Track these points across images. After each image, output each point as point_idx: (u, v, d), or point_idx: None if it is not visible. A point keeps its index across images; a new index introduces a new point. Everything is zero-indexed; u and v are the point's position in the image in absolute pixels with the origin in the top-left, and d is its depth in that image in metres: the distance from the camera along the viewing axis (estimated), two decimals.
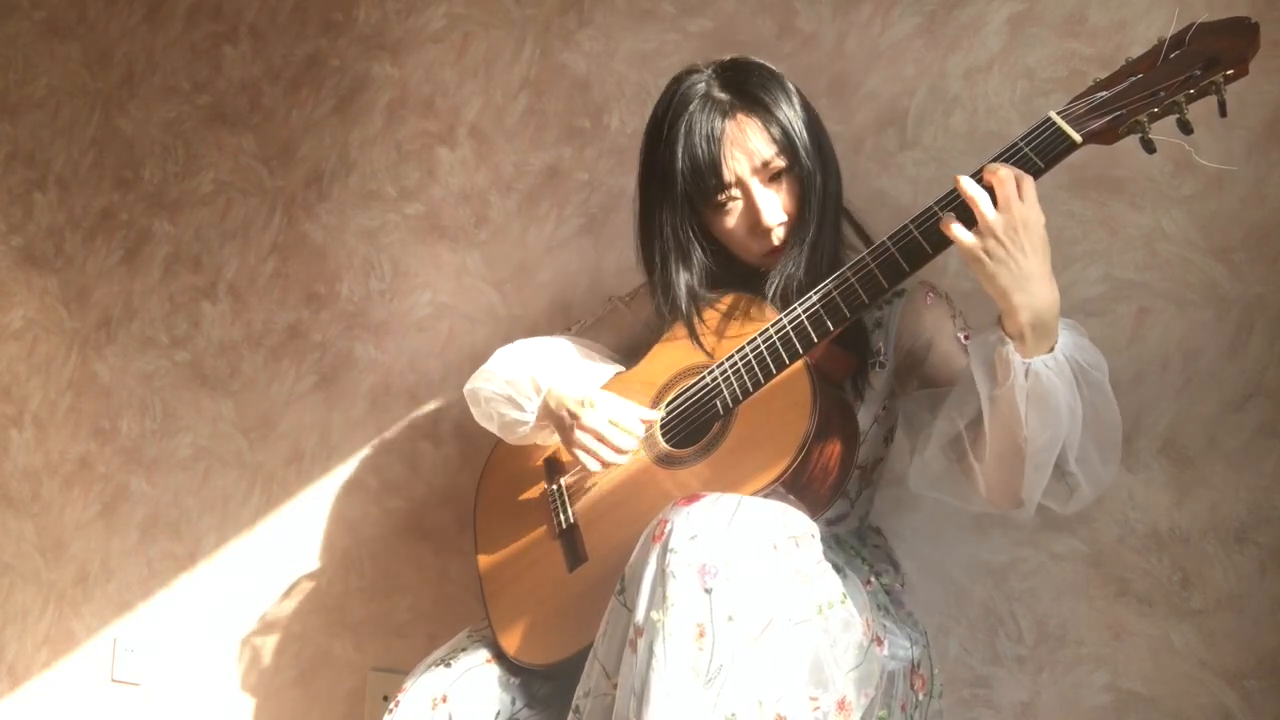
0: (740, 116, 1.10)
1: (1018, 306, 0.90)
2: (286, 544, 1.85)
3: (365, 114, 1.84)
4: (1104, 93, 0.92)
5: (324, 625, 1.81)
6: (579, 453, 1.13)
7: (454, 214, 1.76)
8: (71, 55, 2.15)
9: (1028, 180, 0.91)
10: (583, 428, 1.12)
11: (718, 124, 1.09)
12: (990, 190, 0.90)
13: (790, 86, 1.14)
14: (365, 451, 1.80)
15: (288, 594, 1.84)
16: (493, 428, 1.26)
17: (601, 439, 1.11)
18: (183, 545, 1.94)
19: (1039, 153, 0.91)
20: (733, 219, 1.13)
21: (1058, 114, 0.92)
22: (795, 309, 1.05)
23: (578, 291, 1.65)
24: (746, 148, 1.09)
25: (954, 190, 0.94)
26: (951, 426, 1.02)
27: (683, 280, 1.17)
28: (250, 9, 1.96)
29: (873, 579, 1.15)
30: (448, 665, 1.13)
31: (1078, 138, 0.90)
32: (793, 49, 1.52)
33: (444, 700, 1.08)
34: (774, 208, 1.11)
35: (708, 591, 0.86)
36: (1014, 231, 0.89)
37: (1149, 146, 0.90)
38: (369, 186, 1.83)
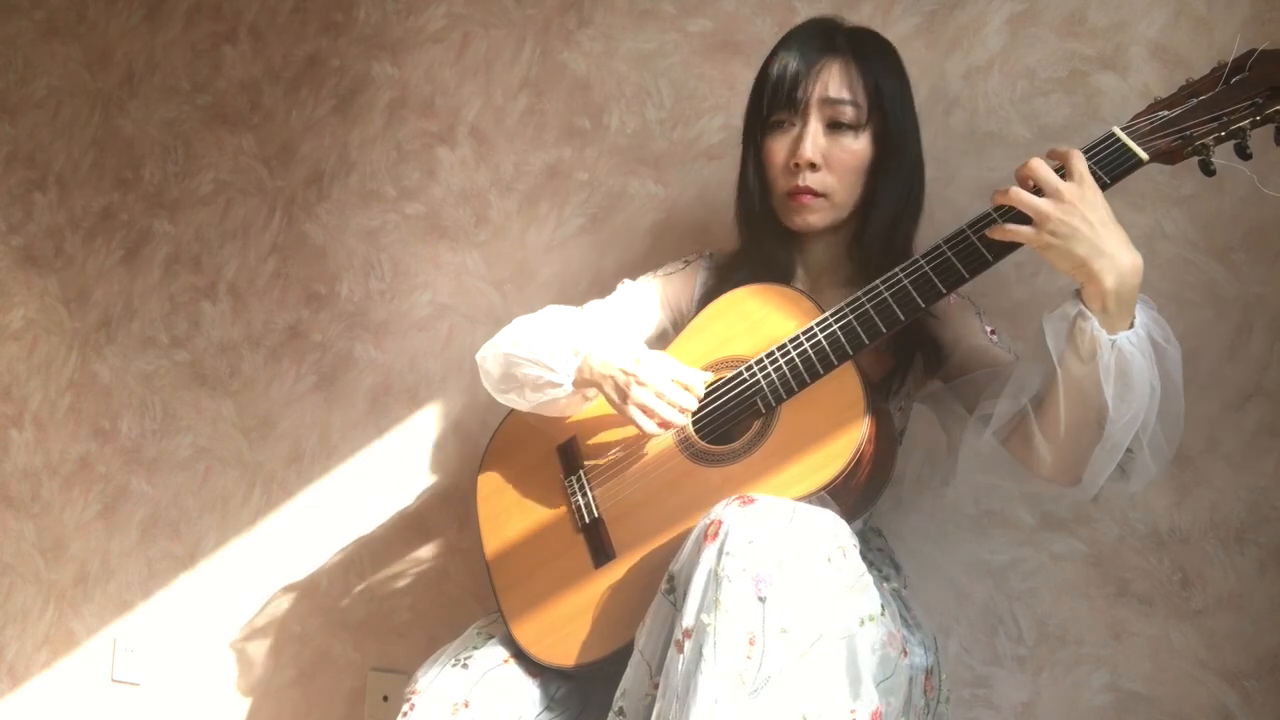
0: (843, 60, 1.12)
1: (1100, 272, 0.88)
2: (286, 544, 1.85)
3: (365, 114, 1.84)
4: (1166, 112, 0.93)
5: (324, 625, 1.81)
6: (635, 412, 1.05)
7: (454, 214, 1.76)
8: (71, 55, 2.15)
9: (1075, 156, 0.90)
10: (642, 383, 1.05)
11: (814, 47, 1.12)
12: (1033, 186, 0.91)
13: (905, 75, 1.16)
14: (365, 451, 1.80)
15: (288, 594, 1.84)
16: (511, 395, 1.19)
17: (663, 397, 1.05)
18: (183, 545, 1.94)
19: (1105, 168, 0.91)
20: (780, 142, 1.14)
21: (1121, 130, 0.92)
22: (843, 308, 1.03)
23: (578, 291, 1.65)
24: (830, 81, 1.11)
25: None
26: (1014, 404, 1.00)
27: (754, 179, 1.18)
28: (250, 9, 1.96)
29: (883, 584, 1.14)
30: (464, 665, 1.09)
31: (1144, 155, 0.90)
32: None
33: (466, 706, 1.05)
34: (816, 146, 1.11)
35: (761, 600, 0.85)
36: (1070, 206, 0.88)
37: (1207, 169, 0.90)
38: (369, 186, 1.83)
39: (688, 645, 0.86)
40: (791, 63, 1.11)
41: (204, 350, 1.96)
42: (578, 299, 1.63)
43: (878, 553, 1.21)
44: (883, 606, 0.93)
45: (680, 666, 0.86)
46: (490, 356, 1.22)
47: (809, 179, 1.12)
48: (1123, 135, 0.92)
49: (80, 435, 2.06)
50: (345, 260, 1.84)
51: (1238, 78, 0.91)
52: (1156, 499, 1.30)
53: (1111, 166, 0.91)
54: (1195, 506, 1.28)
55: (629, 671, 0.96)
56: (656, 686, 0.90)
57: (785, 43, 1.15)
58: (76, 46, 2.15)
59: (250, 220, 1.94)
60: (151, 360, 2.01)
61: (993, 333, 1.14)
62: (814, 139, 1.11)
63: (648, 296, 1.29)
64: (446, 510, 1.73)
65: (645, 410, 1.05)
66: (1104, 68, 1.34)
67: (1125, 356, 0.90)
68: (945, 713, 1.15)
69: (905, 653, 1.00)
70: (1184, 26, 1.30)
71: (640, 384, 1.05)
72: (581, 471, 1.18)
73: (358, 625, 1.78)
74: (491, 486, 1.26)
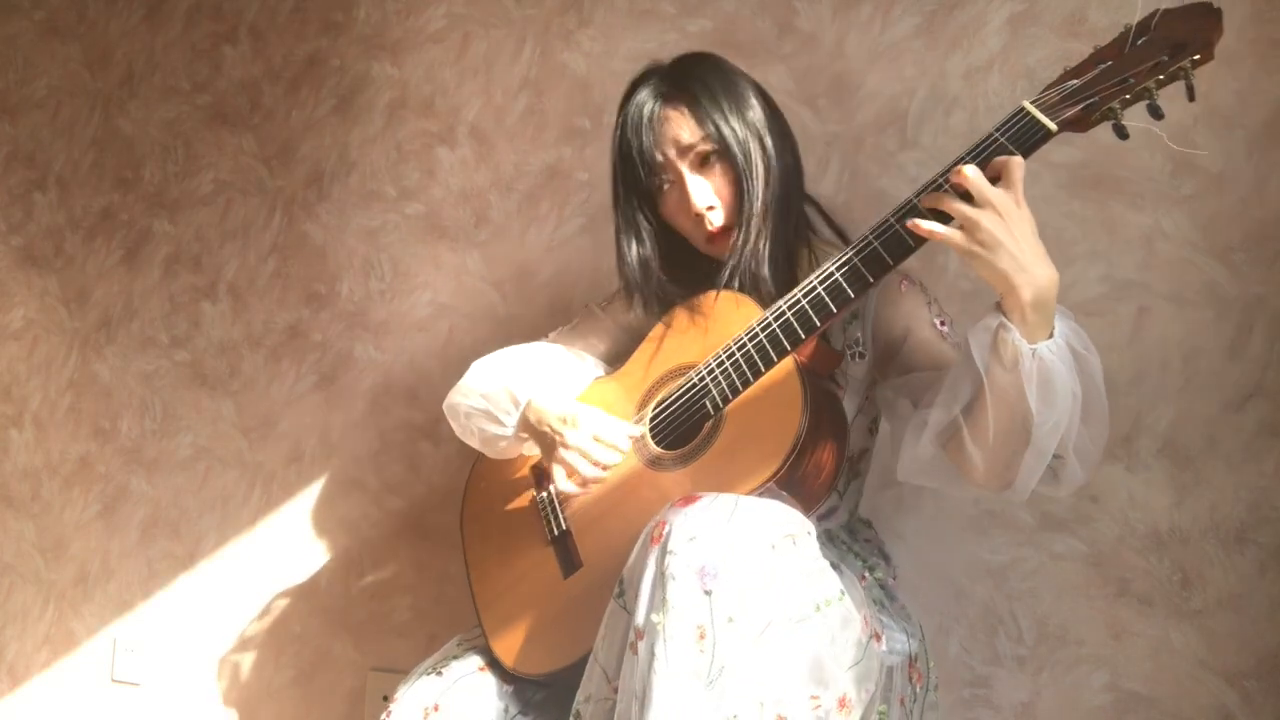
0: (672, 105, 1.15)
1: (1020, 286, 0.90)
2: (286, 544, 1.85)
3: (365, 114, 1.84)
4: (1075, 81, 0.94)
5: (324, 625, 1.81)
6: (558, 470, 1.12)
7: (454, 214, 1.76)
8: (71, 55, 2.15)
9: (1015, 165, 0.91)
10: (566, 445, 1.11)
11: (649, 108, 1.16)
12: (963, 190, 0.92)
13: (735, 79, 1.17)
14: (365, 451, 1.80)
15: (288, 594, 1.84)
16: (473, 442, 1.27)
17: (586, 456, 1.10)
18: (183, 545, 1.94)
19: (1015, 142, 0.93)
20: (671, 203, 1.18)
21: (1031, 103, 0.94)
22: (780, 306, 1.06)
23: (578, 291, 1.65)
24: (673, 133, 1.14)
25: (935, 179, 0.95)
26: (947, 414, 1.02)
27: (635, 252, 1.21)
28: (250, 9, 1.96)
29: (866, 574, 1.15)
30: (439, 674, 1.12)
31: (1053, 126, 0.91)
32: (793, 49, 1.52)
33: (436, 709, 1.08)
34: (703, 192, 1.14)
35: (707, 593, 0.86)
36: (999, 219, 0.90)
37: (1121, 132, 0.91)
38: (369, 186, 1.83)
39: (641, 646, 0.87)
40: (639, 135, 1.16)
41: (204, 350, 1.96)
42: (578, 299, 1.64)
43: (865, 543, 1.22)
44: (842, 592, 0.93)
45: (636, 669, 0.87)
46: (449, 407, 1.29)
47: (714, 221, 1.15)
48: (1032, 108, 0.93)
49: (80, 435, 2.06)
50: (345, 260, 1.84)
51: (1143, 39, 0.92)
52: (1156, 499, 1.30)
53: (1022, 140, 0.92)
54: (1195, 506, 1.28)
55: (585, 678, 0.97)
56: (615, 690, 0.92)
57: (621, 119, 1.18)
58: (76, 46, 2.15)
59: (250, 220, 1.94)
60: (151, 360, 2.01)
61: (944, 324, 1.15)
62: (696, 187, 1.14)
63: (607, 319, 1.33)
64: (446, 510, 1.73)
65: (567, 469, 1.11)
66: None
67: (1046, 365, 0.92)
68: (936, 700, 1.16)
69: (879, 638, 1.00)
70: None
71: (565, 445, 1.11)
72: (551, 487, 1.21)
73: (358, 625, 1.78)
74: (475, 509, 1.31)
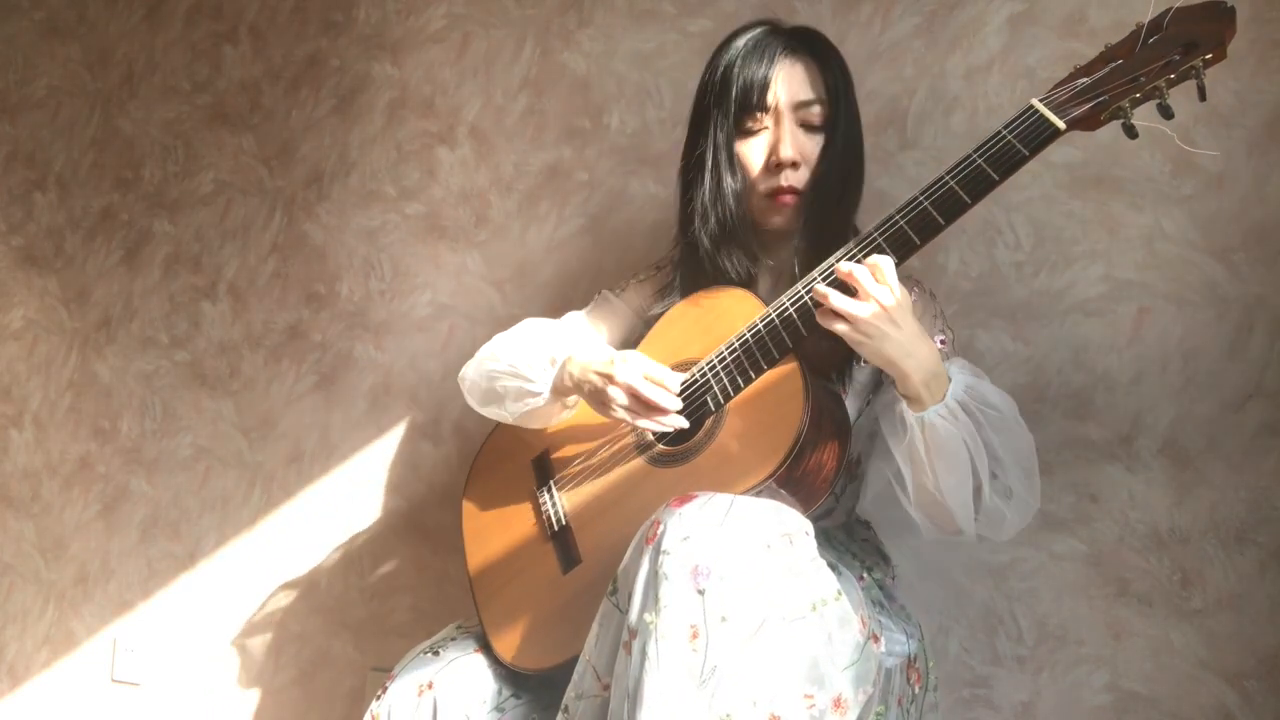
0: (799, 57, 1.15)
1: (908, 371, 0.99)
2: (286, 544, 1.85)
3: (365, 114, 1.84)
4: (1085, 79, 0.94)
5: (324, 625, 1.81)
6: (619, 411, 1.08)
7: (454, 214, 1.76)
8: (71, 55, 2.15)
9: (882, 263, 0.96)
10: (616, 384, 1.07)
11: (774, 48, 1.14)
12: (845, 285, 0.98)
13: (847, 66, 1.19)
14: (365, 451, 1.80)
15: (288, 594, 1.84)
16: (493, 408, 1.24)
17: (639, 396, 1.07)
18: (183, 545, 1.94)
19: (1023, 140, 0.93)
20: (756, 143, 1.16)
21: (1040, 101, 0.94)
22: (782, 302, 1.06)
23: (578, 291, 1.65)
24: (795, 82, 1.14)
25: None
26: (880, 477, 1.10)
27: (728, 184, 1.16)
28: (250, 9, 1.96)
29: (865, 575, 1.16)
30: (436, 654, 1.14)
31: (1061, 124, 0.92)
32: None
33: (430, 687, 1.09)
34: (796, 145, 1.14)
35: (700, 593, 0.86)
36: (882, 312, 0.96)
37: (1131, 132, 0.91)
38: (369, 186, 1.83)
39: (634, 645, 0.87)
40: (756, 69, 1.14)
41: (204, 350, 1.96)
42: (578, 299, 1.64)
43: (863, 544, 1.22)
44: (839, 591, 0.93)
45: (629, 668, 0.87)
46: (471, 373, 1.28)
47: (791, 177, 1.14)
48: (1041, 106, 0.93)
49: (80, 435, 2.06)
50: (345, 260, 1.84)
51: (1155, 38, 0.91)
52: (1156, 499, 1.30)
53: (1030, 138, 0.93)
54: (1195, 506, 1.28)
55: (575, 675, 0.97)
56: (606, 688, 0.92)
57: (739, 48, 1.16)
58: (76, 46, 2.15)
59: (250, 220, 1.94)
60: (151, 360, 2.01)
61: (944, 343, 1.16)
62: (793, 139, 1.14)
63: (621, 305, 1.33)
64: (446, 510, 1.73)
65: (625, 408, 1.08)
66: None
67: (936, 429, 1.01)
68: (936, 700, 1.16)
69: (877, 639, 1.01)
70: None
71: (615, 384, 1.08)
72: (552, 482, 1.21)
73: (358, 625, 1.78)
74: (475, 504, 1.30)
